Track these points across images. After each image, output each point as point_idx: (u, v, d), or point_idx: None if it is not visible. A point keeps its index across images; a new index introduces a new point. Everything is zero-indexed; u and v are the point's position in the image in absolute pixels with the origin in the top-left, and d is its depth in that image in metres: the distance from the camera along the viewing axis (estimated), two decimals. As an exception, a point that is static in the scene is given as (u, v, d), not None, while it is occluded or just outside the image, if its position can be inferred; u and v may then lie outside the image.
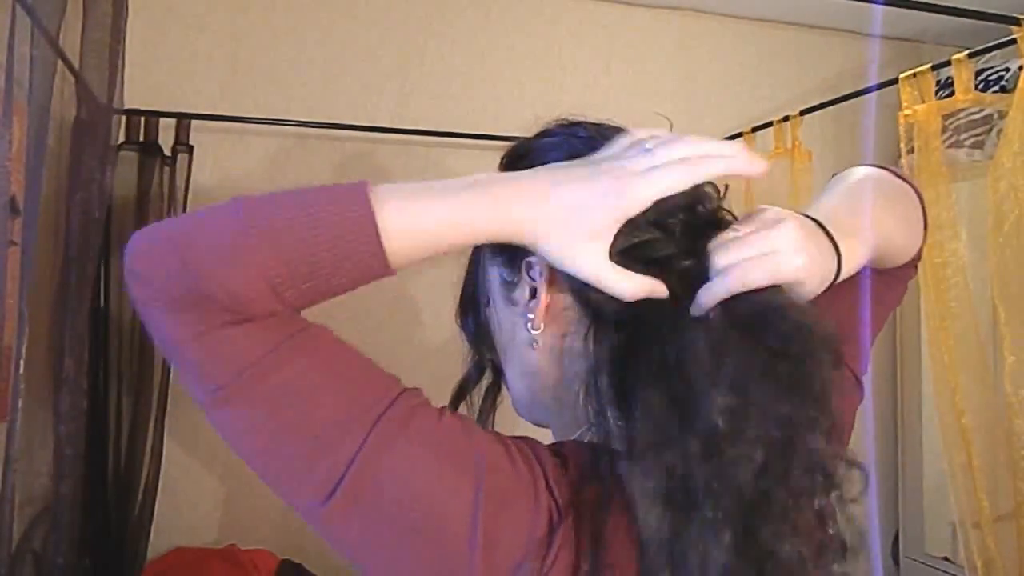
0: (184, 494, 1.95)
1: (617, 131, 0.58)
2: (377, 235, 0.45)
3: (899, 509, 2.46)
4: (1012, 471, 1.38)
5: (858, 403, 0.69)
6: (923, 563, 2.36)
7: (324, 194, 0.47)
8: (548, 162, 0.56)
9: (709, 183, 0.56)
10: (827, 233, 0.56)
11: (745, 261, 0.51)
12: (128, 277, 0.48)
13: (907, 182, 0.69)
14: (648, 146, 0.52)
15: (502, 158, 0.62)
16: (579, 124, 0.60)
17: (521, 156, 0.61)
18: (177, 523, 1.92)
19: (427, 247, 0.48)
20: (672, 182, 0.50)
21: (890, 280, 0.69)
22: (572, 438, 0.57)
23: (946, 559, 2.27)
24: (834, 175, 0.69)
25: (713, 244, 0.53)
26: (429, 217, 0.47)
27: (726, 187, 0.59)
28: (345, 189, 0.47)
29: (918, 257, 0.70)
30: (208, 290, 0.44)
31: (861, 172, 0.67)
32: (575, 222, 0.49)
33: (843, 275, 0.57)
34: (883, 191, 0.66)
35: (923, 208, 0.69)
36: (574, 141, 0.58)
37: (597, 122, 0.61)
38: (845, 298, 0.68)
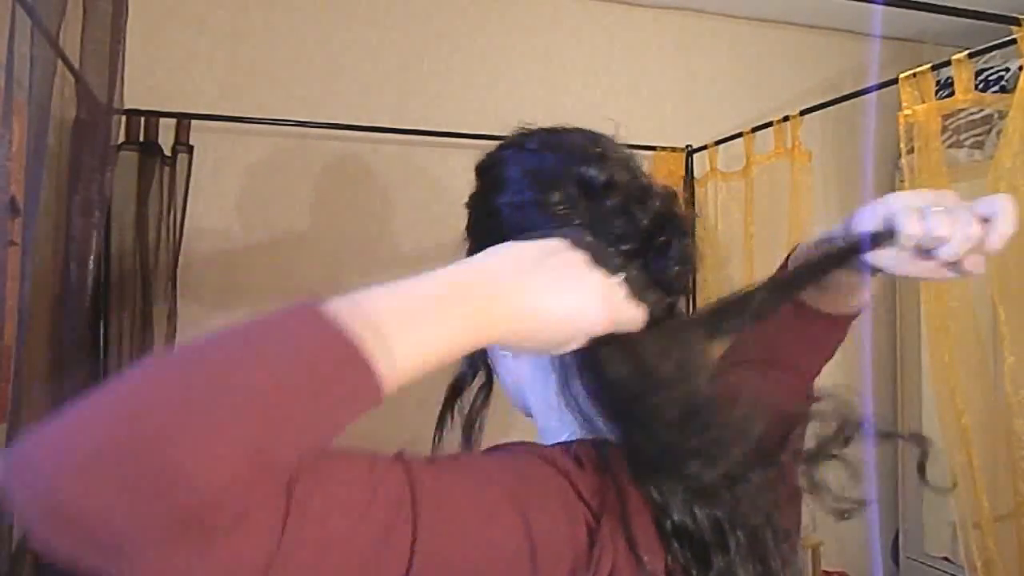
0: (184, 494, 1.94)
1: (570, 133, 0.60)
2: (379, 392, 0.40)
3: (899, 509, 2.47)
4: (1012, 471, 1.38)
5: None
6: (923, 563, 2.36)
7: (319, 357, 0.38)
8: (510, 175, 0.59)
9: (662, 185, 0.59)
10: None
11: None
12: (51, 523, 0.33)
13: None
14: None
15: (476, 168, 0.64)
16: (531, 134, 0.62)
17: (489, 167, 0.63)
18: (177, 523, 1.92)
19: (418, 375, 0.44)
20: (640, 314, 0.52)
21: (830, 327, 0.72)
22: (568, 438, 0.57)
23: (946, 559, 2.28)
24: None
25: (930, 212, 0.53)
26: (421, 358, 0.42)
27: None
28: (334, 347, 0.39)
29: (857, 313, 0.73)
30: (206, 513, 0.33)
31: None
32: (562, 333, 0.48)
33: None
34: None
35: None
36: (524, 155, 0.60)
37: (549, 128, 0.62)
38: (779, 335, 0.72)
